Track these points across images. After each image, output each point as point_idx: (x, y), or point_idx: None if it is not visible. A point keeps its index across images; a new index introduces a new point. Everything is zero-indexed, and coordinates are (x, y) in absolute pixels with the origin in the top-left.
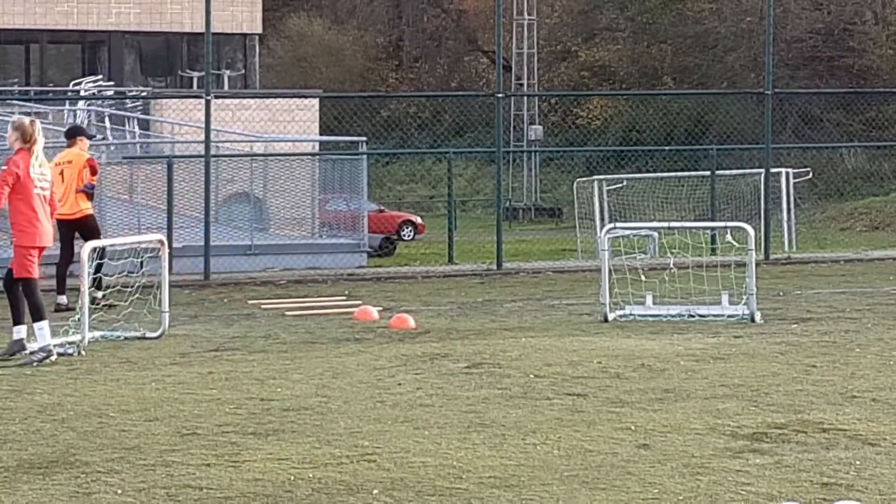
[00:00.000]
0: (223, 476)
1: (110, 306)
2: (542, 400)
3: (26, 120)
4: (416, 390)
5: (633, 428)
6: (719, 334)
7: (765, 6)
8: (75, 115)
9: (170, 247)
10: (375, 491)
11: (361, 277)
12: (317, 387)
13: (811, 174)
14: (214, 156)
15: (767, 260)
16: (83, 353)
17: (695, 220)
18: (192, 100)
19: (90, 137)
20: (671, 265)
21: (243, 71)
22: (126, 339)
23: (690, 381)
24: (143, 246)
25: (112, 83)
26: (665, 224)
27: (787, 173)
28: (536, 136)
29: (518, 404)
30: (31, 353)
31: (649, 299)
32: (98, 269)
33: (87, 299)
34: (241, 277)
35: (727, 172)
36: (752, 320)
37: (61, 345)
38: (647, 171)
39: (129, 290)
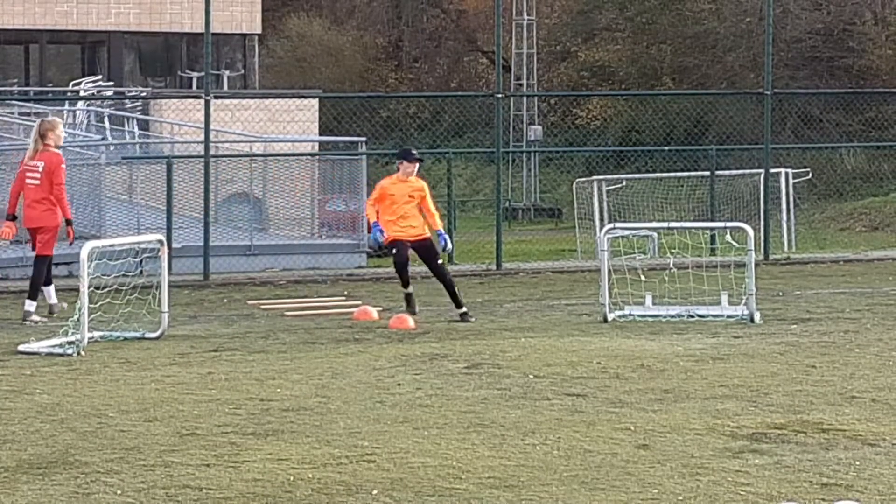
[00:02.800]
0: (222, 476)
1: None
2: (541, 400)
3: None
4: (416, 391)
5: (632, 428)
6: (719, 335)
7: (764, 6)
8: (75, 115)
9: (169, 247)
10: (375, 491)
11: (361, 278)
12: (316, 387)
13: (811, 174)
14: (214, 156)
15: (767, 260)
16: (83, 353)
17: (694, 221)
18: (191, 100)
19: (410, 161)
20: (671, 265)
21: (243, 71)
22: (125, 339)
23: (690, 382)
24: (143, 246)
25: (111, 83)
26: (664, 224)
27: (787, 173)
28: (536, 136)
29: (517, 405)
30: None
31: (649, 300)
32: None
33: (85, 300)
34: (241, 278)
35: (727, 173)
36: (752, 321)
37: (61, 345)
38: (647, 172)
39: (125, 289)
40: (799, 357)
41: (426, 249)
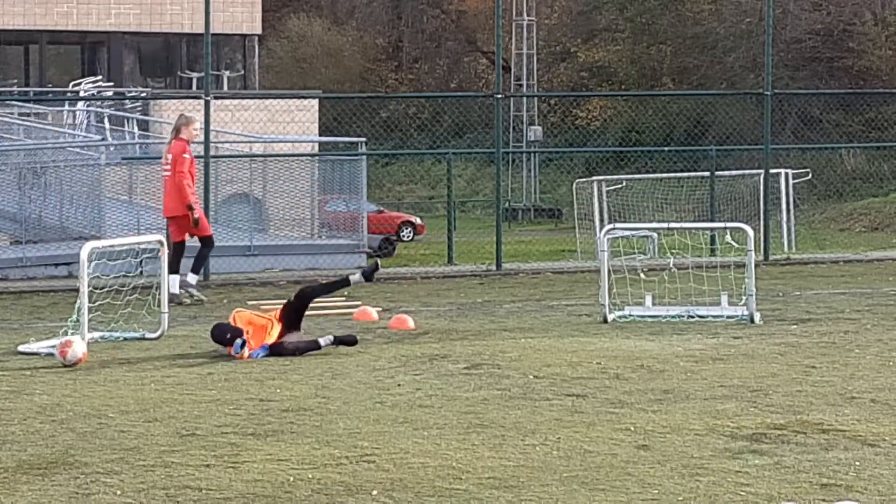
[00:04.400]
0: (222, 477)
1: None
2: (541, 401)
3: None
4: (416, 391)
5: (632, 429)
6: (719, 335)
7: (764, 7)
8: (75, 116)
9: (169, 248)
10: (375, 492)
11: None
12: (316, 387)
13: (810, 175)
14: (214, 156)
15: (767, 261)
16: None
17: (694, 221)
18: (191, 100)
19: None
20: (671, 266)
21: (243, 72)
22: (125, 339)
23: (690, 382)
24: (143, 246)
25: (111, 84)
26: (664, 225)
27: (787, 174)
28: (536, 136)
29: (517, 405)
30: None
31: (649, 300)
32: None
33: (85, 300)
34: (241, 278)
35: (727, 173)
36: (752, 321)
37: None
38: (647, 172)
39: (125, 289)
40: (799, 357)
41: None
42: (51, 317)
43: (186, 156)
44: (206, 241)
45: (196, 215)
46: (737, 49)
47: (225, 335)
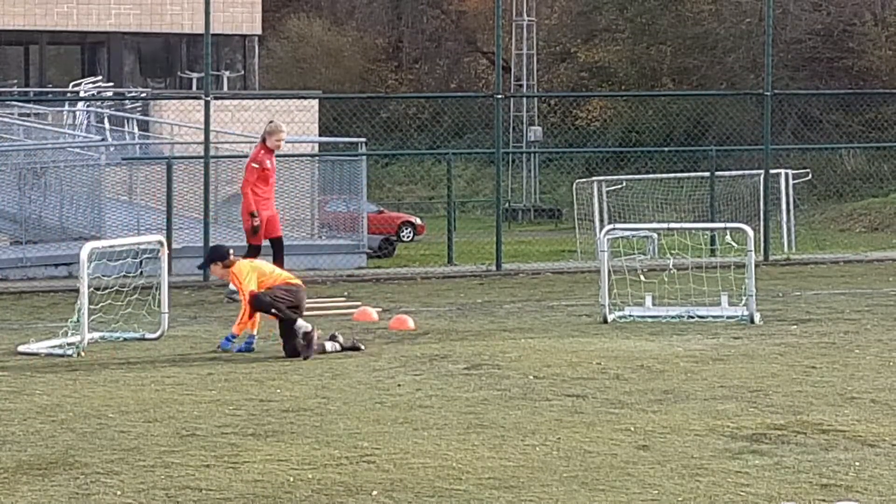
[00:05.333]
0: (222, 477)
1: None
2: (541, 401)
3: None
4: (416, 391)
5: (632, 429)
6: (719, 335)
7: (764, 7)
8: (75, 116)
9: (169, 248)
10: (375, 492)
11: (361, 278)
12: (316, 388)
13: (810, 175)
14: (214, 157)
15: (767, 261)
16: (83, 354)
17: (694, 222)
18: (191, 101)
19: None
20: (670, 266)
21: (243, 72)
22: (125, 340)
23: (690, 383)
24: (143, 247)
25: (111, 84)
26: (664, 225)
27: (787, 174)
28: (536, 137)
29: (517, 405)
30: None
31: (649, 300)
32: None
33: (85, 300)
34: None
35: (726, 173)
36: (752, 321)
37: (60, 346)
38: (647, 172)
39: (125, 290)
40: (799, 358)
41: None
42: (51, 317)
43: (255, 165)
44: (252, 249)
45: (256, 223)
46: (737, 49)
47: (215, 254)
